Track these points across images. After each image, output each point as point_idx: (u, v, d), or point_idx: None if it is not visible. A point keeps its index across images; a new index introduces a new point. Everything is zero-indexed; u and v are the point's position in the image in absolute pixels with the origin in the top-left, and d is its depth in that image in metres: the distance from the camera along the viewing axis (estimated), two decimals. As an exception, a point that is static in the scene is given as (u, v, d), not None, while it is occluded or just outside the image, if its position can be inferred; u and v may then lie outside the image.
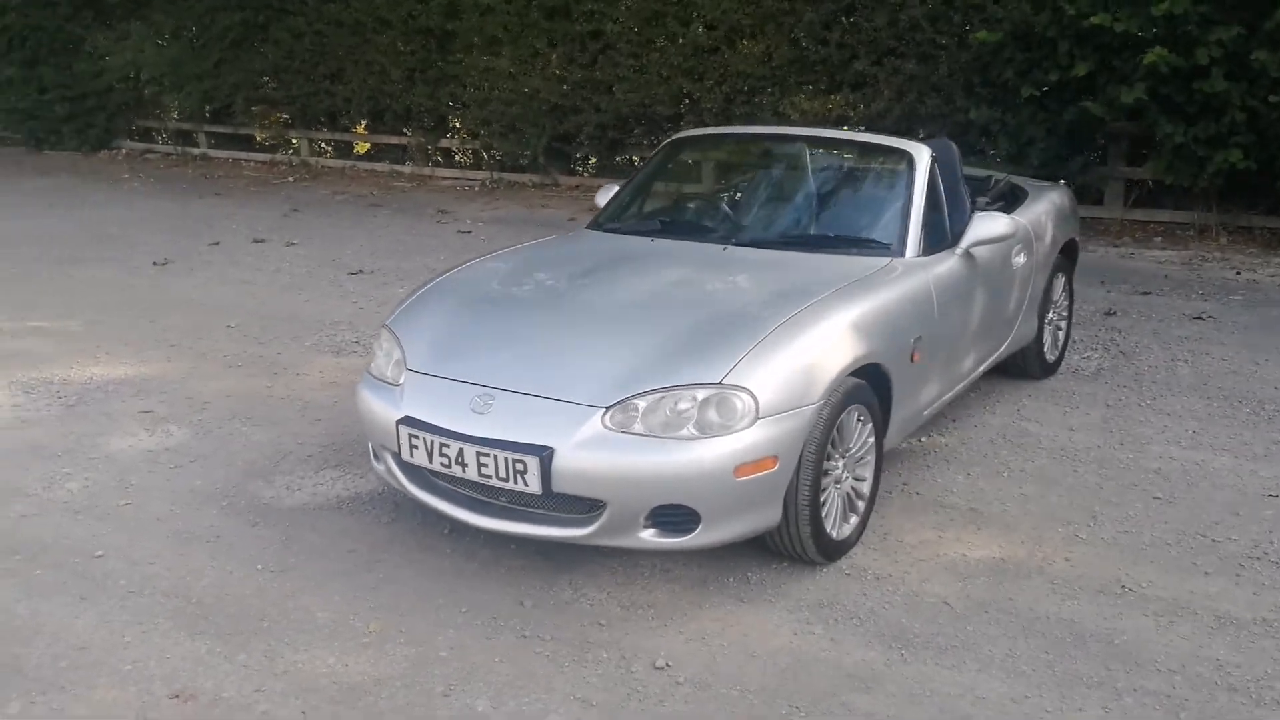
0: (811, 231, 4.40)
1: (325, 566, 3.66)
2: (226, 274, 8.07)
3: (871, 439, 3.73)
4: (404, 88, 11.91)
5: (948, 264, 4.22)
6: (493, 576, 3.57)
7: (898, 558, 3.68)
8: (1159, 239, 8.76)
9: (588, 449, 3.20)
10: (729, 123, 10.08)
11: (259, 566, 3.67)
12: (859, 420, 3.62)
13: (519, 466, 3.22)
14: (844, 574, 3.57)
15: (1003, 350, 4.87)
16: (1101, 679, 3.00)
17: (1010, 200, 5.19)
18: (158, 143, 15.11)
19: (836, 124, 9.54)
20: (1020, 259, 4.78)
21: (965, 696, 2.93)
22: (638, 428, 3.21)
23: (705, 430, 3.21)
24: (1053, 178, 8.94)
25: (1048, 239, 5.06)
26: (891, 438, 3.96)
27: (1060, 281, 5.41)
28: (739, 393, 3.23)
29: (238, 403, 5.22)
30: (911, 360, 3.87)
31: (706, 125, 10.10)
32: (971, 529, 3.88)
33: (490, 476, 3.29)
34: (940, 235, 4.32)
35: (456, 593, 3.48)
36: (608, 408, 3.24)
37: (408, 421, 3.47)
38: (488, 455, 3.27)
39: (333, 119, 13.03)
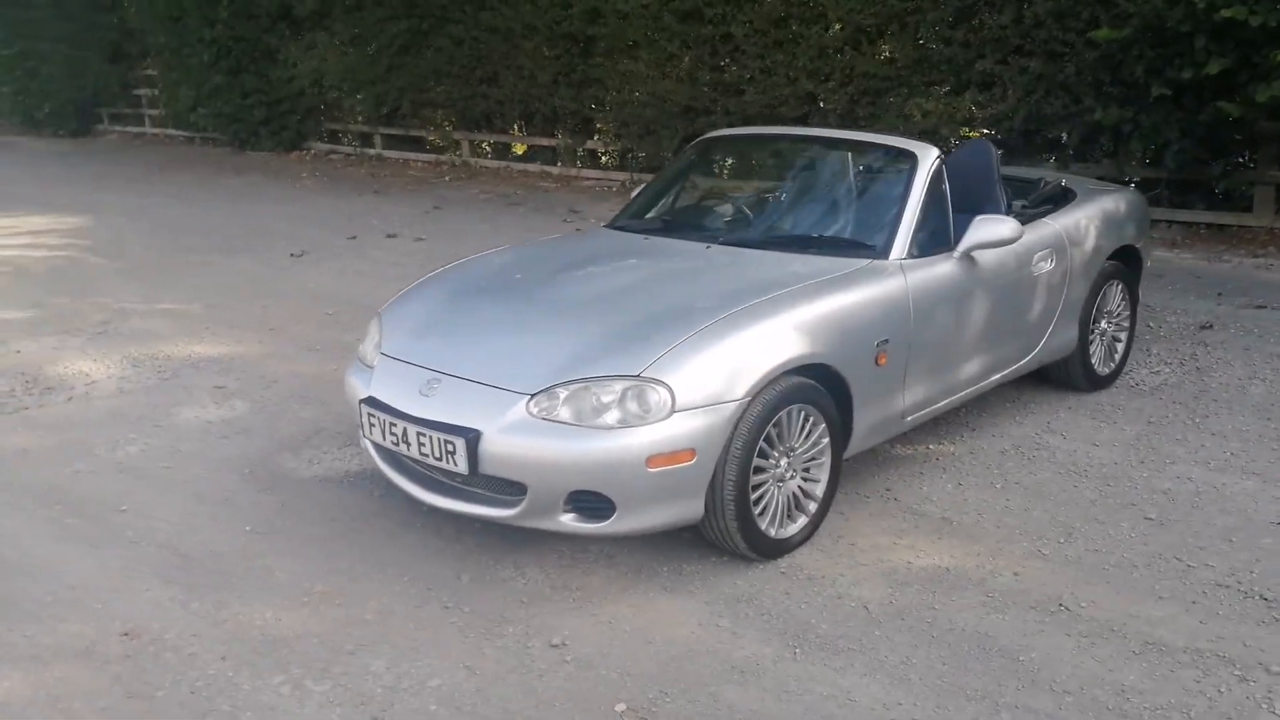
0: (799, 232, 4.40)
1: (305, 532, 3.96)
2: (350, 266, 8.61)
3: (826, 441, 3.73)
4: (550, 91, 12.31)
5: (940, 267, 4.15)
6: (448, 553, 3.77)
7: (840, 560, 3.66)
8: (1311, 250, 8.14)
9: (511, 434, 3.36)
10: (854, 125, 9.95)
11: (248, 528, 4.00)
12: (806, 420, 3.63)
13: (449, 447, 3.41)
14: (778, 572, 3.59)
15: (1029, 360, 4.71)
16: (987, 693, 2.94)
17: (1057, 203, 5.01)
18: (343, 144, 16.10)
19: (961, 125, 9.28)
20: (1046, 265, 4.61)
21: (837, 698, 2.93)
22: (560, 415, 3.35)
23: (625, 421, 3.31)
24: (1192, 182, 8.49)
25: (1089, 245, 4.85)
26: (859, 441, 3.93)
27: (1116, 290, 5.16)
28: (656, 386, 3.32)
29: (301, 383, 5.63)
30: (877, 363, 3.83)
31: (832, 127, 10.03)
32: (932, 538, 3.81)
33: (427, 455, 3.50)
34: (942, 238, 4.25)
35: (407, 564, 3.70)
36: (533, 395, 3.39)
37: (369, 401, 3.73)
38: (425, 435, 3.48)
39: (489, 121, 13.58)
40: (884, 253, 4.08)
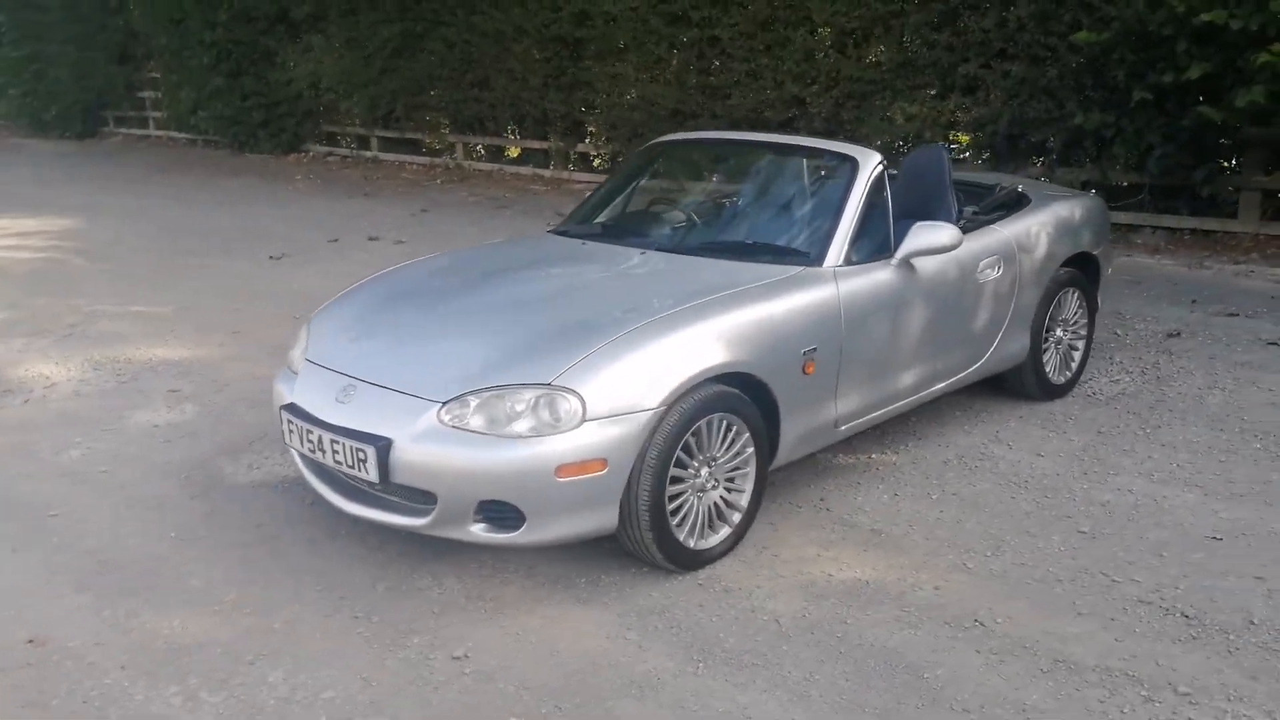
0: (735, 238, 4.36)
1: (228, 538, 3.93)
2: (329, 269, 8.60)
3: (751, 450, 3.68)
4: (540, 94, 12.29)
5: (876, 275, 4.09)
6: (369, 561, 3.74)
7: (761, 572, 3.61)
8: (1294, 257, 8.03)
9: (422, 442, 3.33)
10: (839, 129, 9.91)
11: (172, 534, 3.98)
12: (728, 430, 3.58)
13: (360, 455, 3.38)
14: (696, 584, 3.55)
15: (977, 369, 4.65)
16: (886, 711, 2.88)
17: (1009, 209, 4.94)
18: (340, 147, 16.13)
19: (945, 129, 9.20)
20: (993, 272, 4.55)
21: (734, 714, 2.89)
22: (470, 424, 3.31)
23: (535, 430, 3.27)
24: (1177, 188, 8.38)
25: (1040, 252, 4.79)
26: (788, 451, 3.88)
27: (1072, 298, 5.09)
28: (566, 394, 3.28)
29: (254, 386, 5.60)
30: (804, 372, 3.78)
31: (816, 132, 9.98)
32: (858, 550, 3.76)
33: (341, 463, 3.47)
34: (882, 245, 4.19)
35: (325, 572, 3.67)
36: (444, 403, 3.36)
37: (289, 408, 3.70)
38: (339, 443, 3.45)
39: (481, 124, 13.57)
40: (818, 260, 4.03)
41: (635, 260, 4.20)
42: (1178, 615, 3.29)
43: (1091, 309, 5.23)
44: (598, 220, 4.75)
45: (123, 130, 21.03)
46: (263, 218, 11.19)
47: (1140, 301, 6.81)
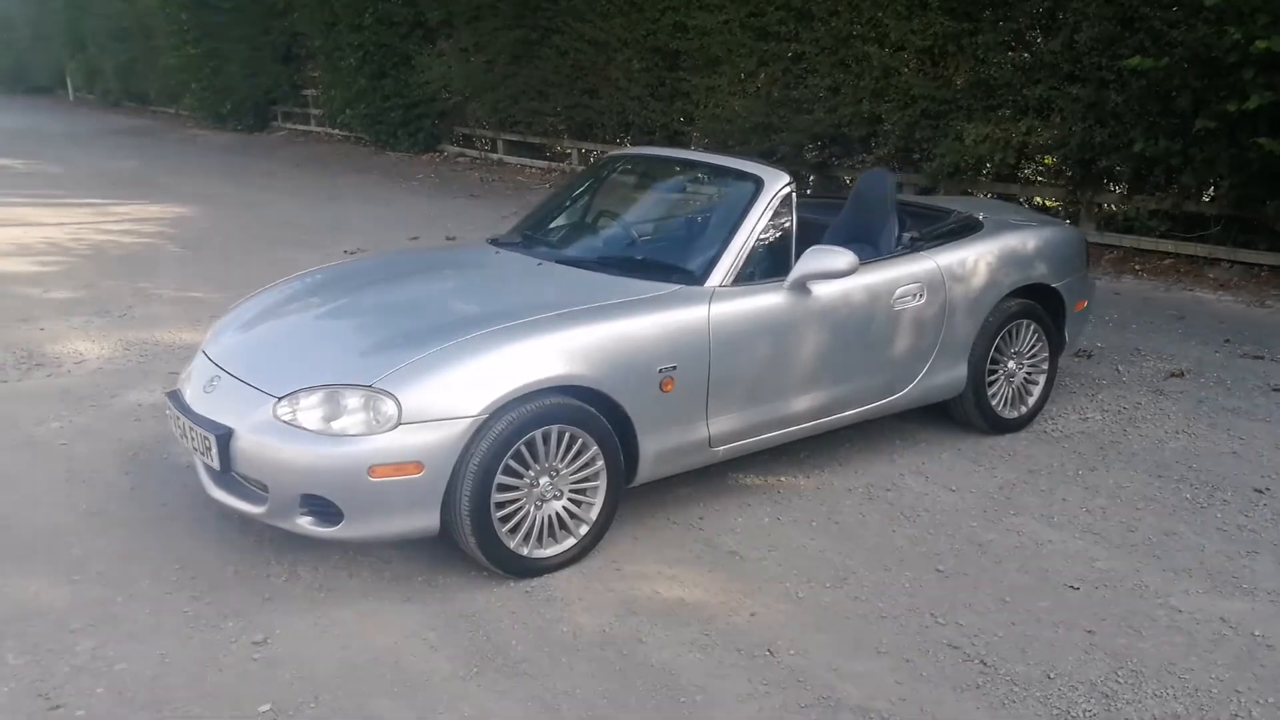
0: (629, 254, 4.40)
1: (130, 515, 4.21)
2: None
3: (601, 464, 3.72)
4: (642, 103, 12.45)
5: (762, 298, 4.07)
6: (241, 545, 3.93)
7: (592, 584, 3.66)
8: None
9: (257, 434, 3.52)
10: (909, 148, 9.71)
11: (83, 507, 4.29)
12: (572, 442, 3.64)
13: (206, 443, 3.60)
14: (523, 591, 3.62)
15: (900, 398, 4.55)
16: (620, 729, 2.90)
17: (955, 236, 4.80)
18: (473, 148, 16.69)
19: (1017, 152, 8.87)
20: (914, 300, 4.44)
21: (476, 719, 2.96)
22: (300, 419, 3.48)
23: (358, 430, 3.42)
24: (1250, 221, 7.86)
25: (976, 282, 4.63)
26: (651, 468, 3.90)
27: (1027, 330, 4.90)
28: (384, 397, 3.42)
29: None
30: (662, 390, 3.80)
31: (893, 149, 9.80)
32: (703, 570, 3.76)
33: (196, 449, 3.70)
34: (779, 267, 4.16)
35: (193, 553, 3.89)
36: (280, 398, 3.54)
37: (170, 394, 3.97)
38: (193, 430, 3.68)
39: (590, 130, 13.83)
40: (700, 279, 4.04)
41: (527, 270, 4.30)
42: (976, 662, 3.18)
43: (1053, 344, 5.00)
44: (530, 228, 4.84)
45: (288, 125, 22.30)
46: (361, 214, 11.72)
47: (1167, 338, 6.45)
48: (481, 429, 3.46)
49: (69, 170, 15.80)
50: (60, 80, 33.60)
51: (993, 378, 4.85)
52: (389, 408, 3.41)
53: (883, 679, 3.11)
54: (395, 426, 3.39)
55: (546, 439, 3.60)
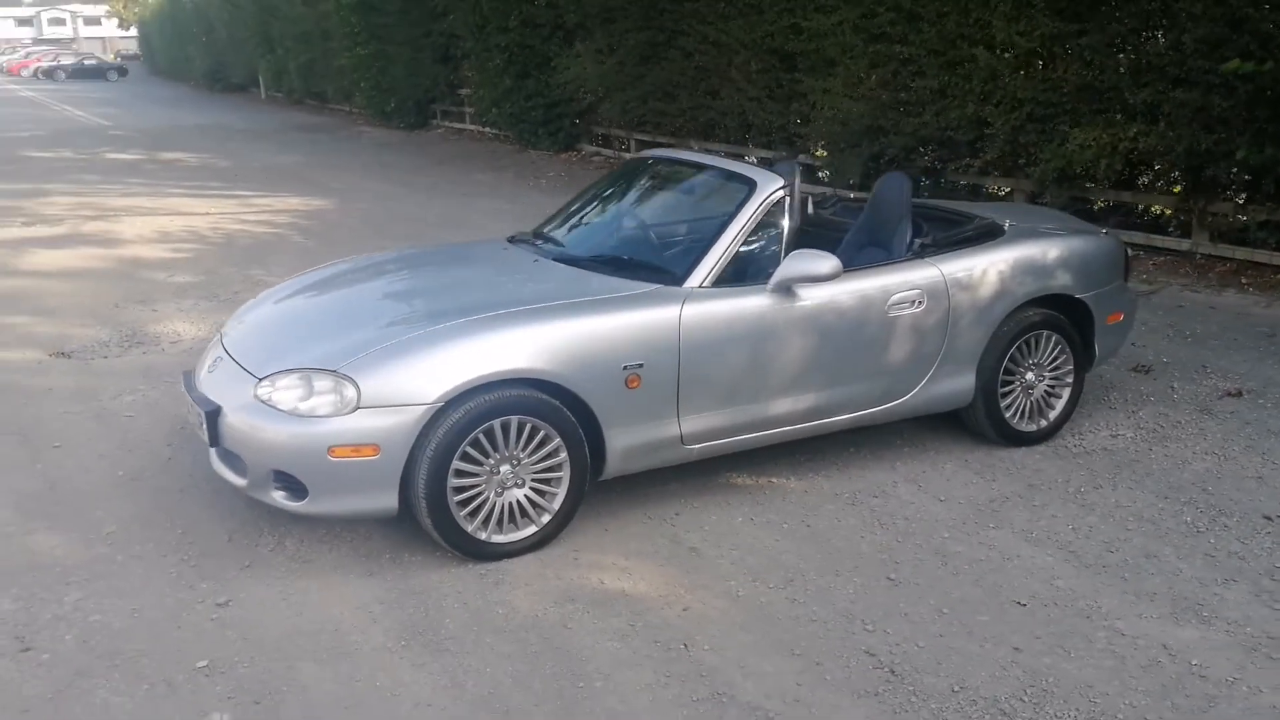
0: (619, 253, 4.49)
1: (160, 483, 4.56)
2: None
3: (564, 456, 3.86)
4: (760, 105, 12.47)
5: (742, 300, 4.12)
6: (244, 517, 4.20)
7: (545, 572, 3.80)
8: None
9: (239, 413, 3.81)
10: (1015, 152, 9.43)
11: (121, 474, 4.67)
12: (533, 433, 3.79)
13: (199, 419, 3.91)
14: (478, 574, 3.79)
15: (900, 405, 4.52)
16: (515, 709, 3.04)
17: (969, 243, 4.72)
18: (613, 148, 16.99)
19: (1125, 158, 8.51)
20: (912, 307, 4.40)
21: (388, 689, 3.15)
22: (275, 400, 3.75)
23: (324, 411, 3.66)
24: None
25: (984, 290, 4.54)
26: (619, 463, 4.01)
27: (1048, 341, 4.77)
28: (346, 381, 3.65)
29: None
30: (627, 386, 3.90)
31: (999, 153, 9.55)
32: (657, 565, 3.85)
33: (194, 424, 4.02)
34: (766, 270, 4.21)
35: (201, 522, 4.20)
36: (261, 379, 3.82)
37: (185, 373, 4.31)
38: (192, 407, 4.00)
39: (711, 131, 13.91)
40: (680, 280, 4.12)
41: (521, 267, 4.46)
42: (885, 671, 3.18)
43: (1078, 356, 4.84)
44: (545, 226, 5.01)
45: (446, 123, 23.13)
46: (482, 209, 12.13)
47: (1243, 356, 6.13)
48: (438, 416, 3.64)
49: (235, 164, 16.86)
50: (254, 79, 35.70)
51: (1008, 389, 4.74)
52: (350, 391, 3.63)
53: (785, 680, 3.14)
54: (354, 410, 3.61)
55: (506, 429, 3.75)
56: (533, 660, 3.26)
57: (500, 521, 3.84)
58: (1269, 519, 4.12)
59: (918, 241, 4.66)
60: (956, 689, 3.08)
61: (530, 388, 3.77)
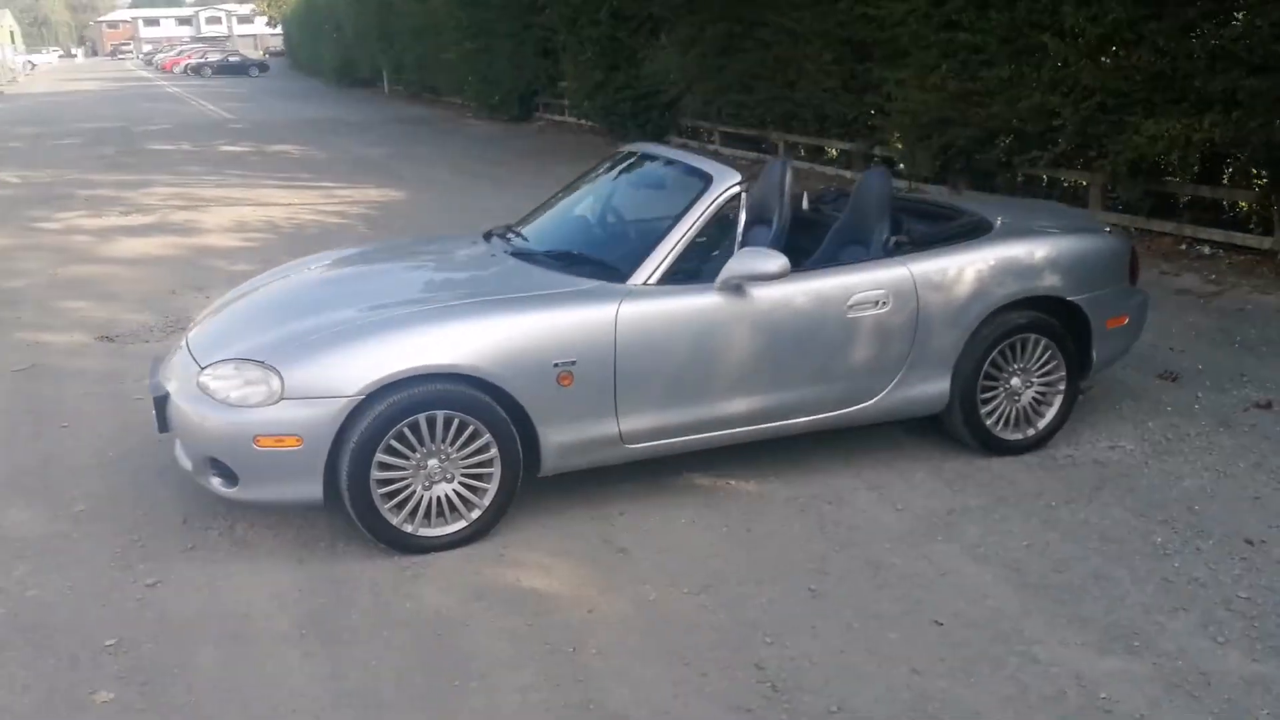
0: (568, 249, 4.42)
1: (140, 464, 4.71)
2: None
3: (495, 452, 3.85)
4: (834, 96, 12.22)
5: (686, 298, 4.04)
6: (206, 502, 4.23)
7: (468, 566, 3.79)
8: None
9: (183, 400, 3.91)
10: (1085, 144, 9.02)
11: (110, 455, 4.83)
12: (461, 428, 3.79)
13: (152, 404, 4.02)
14: (399, 566, 3.80)
15: (867, 408, 4.36)
16: (385, 702, 3.04)
17: (949, 241, 4.52)
18: (700, 139, 16.90)
19: (1199, 150, 8.04)
20: (875, 309, 4.24)
21: (271, 673, 3.19)
22: (211, 388, 3.83)
23: (254, 400, 3.72)
24: None
25: (961, 291, 4.34)
26: (556, 460, 3.97)
27: (1035, 345, 4.53)
28: (272, 372, 3.70)
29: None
30: (559, 384, 3.86)
31: (1068, 144, 9.15)
32: (580, 563, 3.81)
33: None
34: (718, 268, 4.11)
35: (164, 503, 4.32)
36: (204, 368, 3.90)
37: (153, 361, 4.44)
38: (146, 394, 4.12)
39: (789, 122, 13.70)
40: (624, 276, 4.06)
41: (478, 262, 4.46)
42: (768, 686, 3.07)
43: (1070, 361, 4.60)
44: (521, 221, 4.98)
45: (547, 116, 23.34)
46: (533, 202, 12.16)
47: (1287, 366, 5.73)
48: (360, 409, 3.66)
49: (330, 156, 17.34)
50: (378, 74, 36.65)
51: (991, 394, 4.53)
52: (275, 382, 3.68)
53: (661, 690, 3.06)
54: (279, 400, 3.66)
55: (433, 423, 3.75)
56: (420, 656, 3.25)
57: (429, 515, 3.84)
58: (1250, 543, 3.83)
59: (893, 239, 4.48)
60: (834, 710, 2.95)
61: (458, 383, 3.75)
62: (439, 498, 3.84)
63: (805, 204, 5.36)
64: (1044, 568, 3.69)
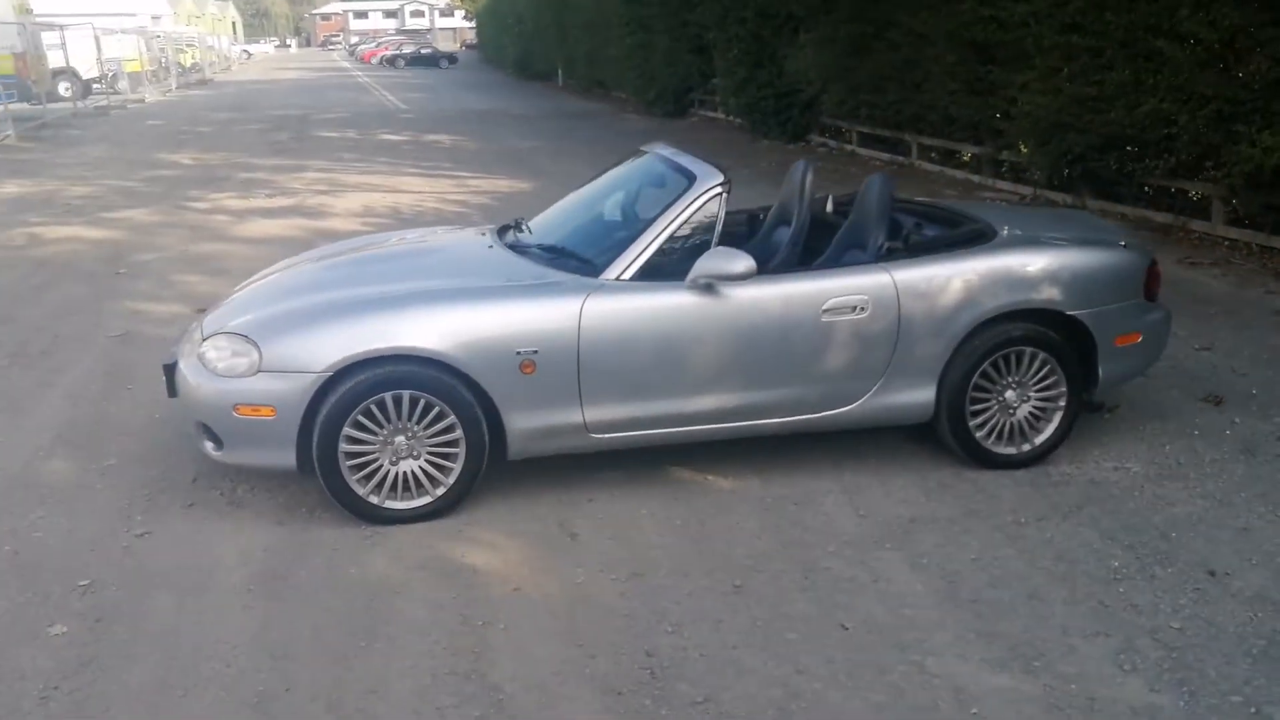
0: (554, 242, 4.56)
1: (177, 426, 5.13)
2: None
3: (459, 433, 4.06)
4: (956, 99, 11.95)
5: (656, 295, 4.13)
6: (212, 461, 4.59)
7: (426, 539, 4.00)
8: None
9: (187, 370, 4.25)
10: (1202, 155, 8.58)
11: (157, 416, 5.27)
12: (428, 408, 4.00)
13: (164, 372, 4.40)
14: (362, 535, 4.04)
15: (847, 413, 4.35)
16: (292, 673, 3.28)
17: (943, 248, 4.46)
18: (843, 139, 16.73)
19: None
20: (852, 314, 4.23)
21: (207, 630, 3.47)
22: (207, 359, 4.16)
23: (239, 371, 4.03)
24: None
25: (949, 300, 4.27)
26: (522, 444, 4.14)
27: (1032, 358, 4.43)
28: (253, 346, 4.00)
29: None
30: (522, 371, 4.03)
31: (1184, 152, 8.74)
32: (530, 544, 3.97)
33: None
34: (686, 266, 4.19)
35: (184, 462, 4.71)
36: (205, 339, 4.24)
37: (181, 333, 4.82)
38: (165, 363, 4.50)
39: (917, 124, 13.43)
40: (598, 271, 4.19)
41: (472, 253, 4.67)
42: (648, 673, 3.18)
43: (1071, 377, 4.46)
44: (535, 215, 5.15)
45: (701, 113, 23.49)
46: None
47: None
48: (329, 384, 3.92)
49: (480, 147, 17.92)
50: (554, 67, 37.55)
51: (983, 406, 4.45)
52: (255, 356, 3.97)
53: (545, 667, 3.19)
54: (257, 373, 3.95)
55: (399, 402, 3.97)
56: (344, 619, 3.47)
57: (396, 489, 4.06)
58: (1213, 574, 3.67)
59: (885, 245, 4.46)
60: (701, 700, 3.02)
61: (423, 365, 3.96)
62: (406, 473, 4.05)
63: (829, 207, 5.35)
64: (980, 583, 3.64)
